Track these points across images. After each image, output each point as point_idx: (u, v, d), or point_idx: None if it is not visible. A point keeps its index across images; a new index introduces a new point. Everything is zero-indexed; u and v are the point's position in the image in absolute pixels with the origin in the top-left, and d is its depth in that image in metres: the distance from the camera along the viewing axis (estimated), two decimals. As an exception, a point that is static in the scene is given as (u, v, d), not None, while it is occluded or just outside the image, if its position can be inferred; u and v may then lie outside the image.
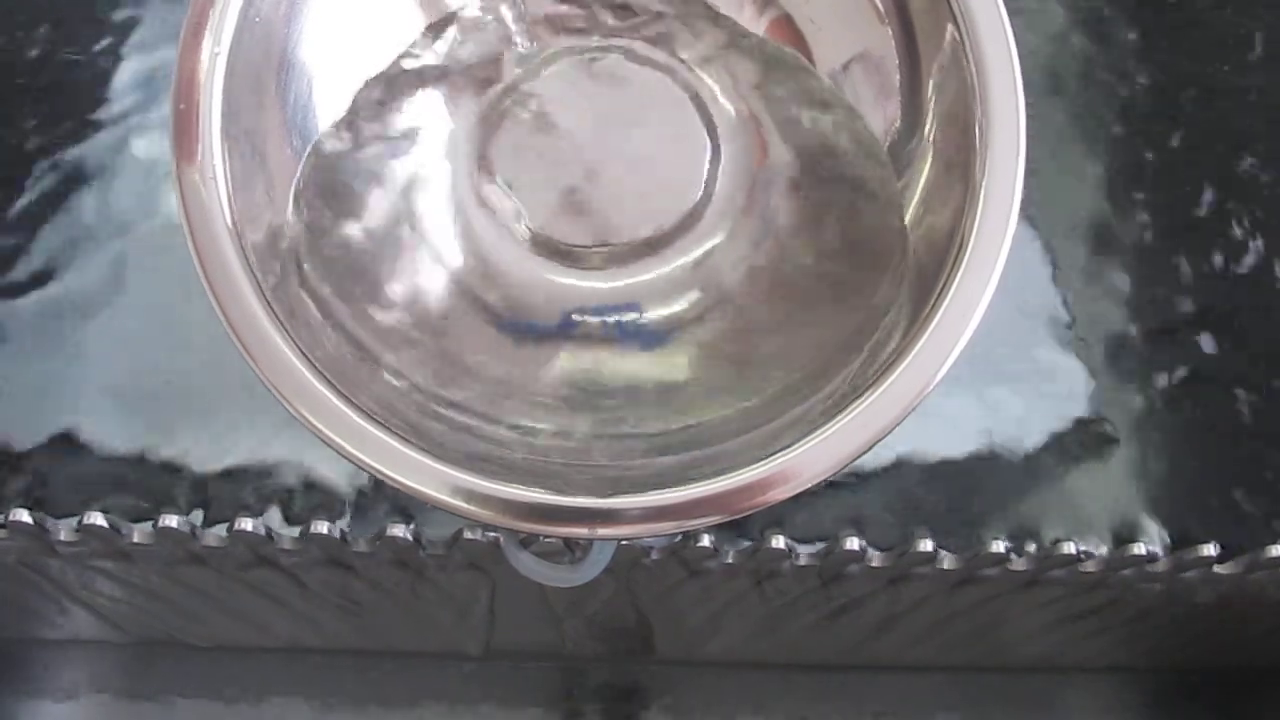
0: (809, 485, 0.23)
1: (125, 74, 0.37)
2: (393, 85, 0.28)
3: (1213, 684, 0.47)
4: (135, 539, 0.32)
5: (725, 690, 0.47)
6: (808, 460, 0.22)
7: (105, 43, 0.37)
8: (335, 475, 0.33)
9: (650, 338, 0.27)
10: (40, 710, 0.46)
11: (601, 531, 0.23)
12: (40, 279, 0.34)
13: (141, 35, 0.37)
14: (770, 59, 0.28)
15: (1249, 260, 0.36)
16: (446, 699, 0.46)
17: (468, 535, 0.32)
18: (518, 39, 0.29)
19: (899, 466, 0.33)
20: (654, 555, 0.33)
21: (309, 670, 0.46)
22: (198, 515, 0.32)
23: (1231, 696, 0.47)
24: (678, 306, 0.28)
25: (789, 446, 0.23)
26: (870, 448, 0.23)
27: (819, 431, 0.23)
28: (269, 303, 0.23)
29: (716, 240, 0.28)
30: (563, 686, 0.47)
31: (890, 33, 0.27)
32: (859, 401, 0.23)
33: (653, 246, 0.28)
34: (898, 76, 0.27)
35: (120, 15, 0.38)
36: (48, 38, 0.37)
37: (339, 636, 0.44)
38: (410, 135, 0.28)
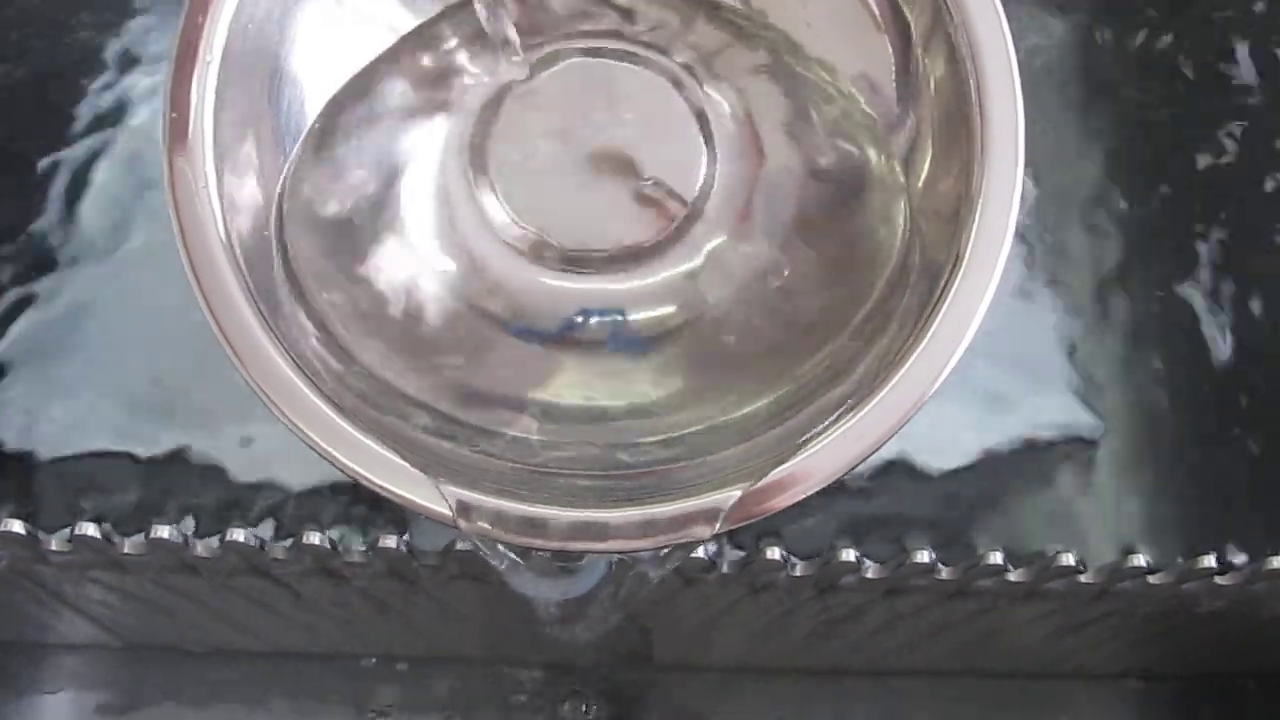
0: (807, 493, 0.22)
1: (124, 83, 0.37)
2: (383, 87, 0.28)
3: (1222, 690, 0.47)
4: (127, 549, 0.32)
5: (724, 696, 0.47)
6: (807, 468, 0.22)
7: (106, 52, 0.38)
8: (327, 484, 0.33)
9: (646, 345, 0.27)
10: (33, 714, 0.45)
11: (596, 545, 0.22)
12: (35, 289, 0.34)
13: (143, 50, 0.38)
14: (770, 54, 0.28)
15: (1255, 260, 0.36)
16: (442, 705, 0.46)
17: (460, 546, 0.32)
18: (514, 41, 0.29)
19: (895, 477, 0.33)
20: (649, 567, 0.33)
21: (304, 675, 0.46)
22: (189, 525, 0.32)
23: (1243, 703, 0.46)
24: (674, 313, 0.27)
25: (787, 455, 0.22)
26: (869, 455, 0.22)
27: (818, 440, 0.22)
28: (264, 318, 0.23)
29: (713, 247, 0.27)
30: (560, 693, 0.47)
31: (888, 41, 0.27)
32: (856, 410, 0.23)
33: (649, 253, 0.27)
34: (894, 86, 0.27)
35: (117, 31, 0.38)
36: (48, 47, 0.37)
37: (334, 642, 0.44)
38: (401, 138, 0.28)
